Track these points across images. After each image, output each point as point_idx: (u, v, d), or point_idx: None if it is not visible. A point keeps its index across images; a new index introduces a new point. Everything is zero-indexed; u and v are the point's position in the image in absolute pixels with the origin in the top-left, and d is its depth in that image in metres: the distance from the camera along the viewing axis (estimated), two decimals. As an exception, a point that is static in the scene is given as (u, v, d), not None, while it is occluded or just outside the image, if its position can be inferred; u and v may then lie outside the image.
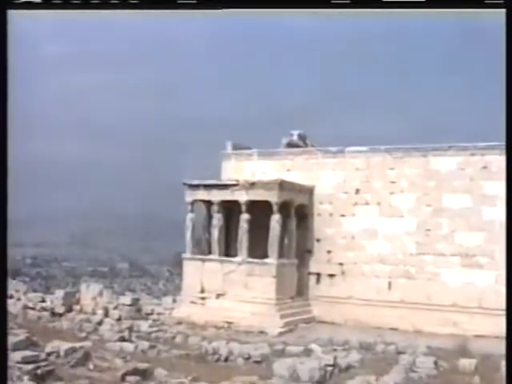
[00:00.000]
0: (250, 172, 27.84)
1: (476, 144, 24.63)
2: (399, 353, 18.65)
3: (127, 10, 10.48)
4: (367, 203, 26.00)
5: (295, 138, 29.72)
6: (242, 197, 25.25)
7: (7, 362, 11.14)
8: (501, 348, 19.53)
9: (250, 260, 25.02)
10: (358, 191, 26.17)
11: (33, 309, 25.92)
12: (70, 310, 26.35)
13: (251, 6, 9.99)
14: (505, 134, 9.49)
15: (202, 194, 26.25)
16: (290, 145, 29.11)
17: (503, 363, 16.30)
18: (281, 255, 25.01)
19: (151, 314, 26.29)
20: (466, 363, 16.77)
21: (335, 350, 18.77)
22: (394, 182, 25.61)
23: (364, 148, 26.36)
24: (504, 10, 9.21)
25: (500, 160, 23.98)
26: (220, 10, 10.06)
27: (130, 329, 22.14)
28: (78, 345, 15.40)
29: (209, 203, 26.35)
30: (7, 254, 10.03)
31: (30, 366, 12.65)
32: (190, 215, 26.55)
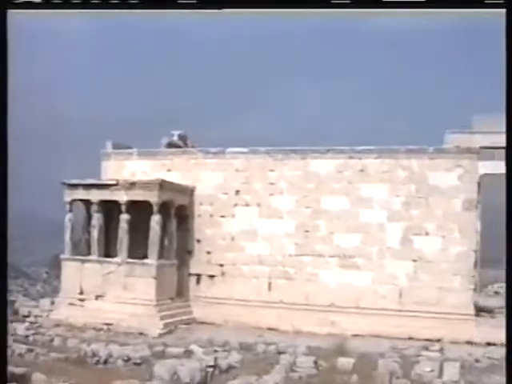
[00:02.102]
0: (129, 172, 27.58)
1: (354, 147, 25.11)
2: (279, 353, 18.79)
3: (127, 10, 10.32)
4: (247, 204, 26.15)
5: (176, 138, 29.68)
6: (122, 197, 25.00)
7: (7, 360, 10.76)
8: (377, 346, 20.20)
9: (130, 261, 24.82)
10: (238, 192, 26.30)
11: None
12: None
13: (251, 6, 9.96)
14: (505, 132, 9.66)
15: (81, 194, 25.84)
16: (171, 145, 29.04)
17: (380, 361, 16.76)
18: (161, 256, 24.90)
19: (28, 316, 25.71)
20: (345, 362, 17.08)
21: (216, 350, 18.77)
22: (273, 184, 25.83)
23: (244, 149, 26.49)
24: (504, 10, 9.35)
25: (376, 163, 24.63)
26: (220, 10, 10.00)
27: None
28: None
29: (88, 203, 25.96)
30: (7, 251, 9.75)
31: None
32: (68, 215, 26.12)
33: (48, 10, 10.27)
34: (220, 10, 9.94)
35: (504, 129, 24.59)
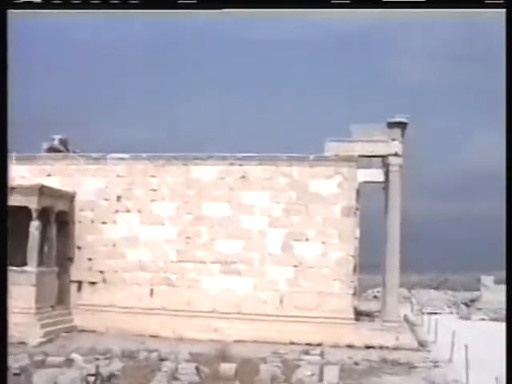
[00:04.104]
0: (8, 177, 26.93)
1: (235, 154, 25.33)
2: (162, 360, 18.71)
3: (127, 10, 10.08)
4: (128, 210, 25.98)
5: (56, 142, 29.25)
6: None
7: (7, 363, 10.27)
8: (259, 352, 20.39)
9: (9, 268, 24.24)
10: (119, 198, 26.10)
11: None
12: None
13: (251, 6, 9.86)
14: (505, 132, 9.78)
15: (-44, 200, 25.12)
16: (51, 149, 28.59)
17: (262, 366, 16.94)
18: (40, 263, 24.43)
19: None
20: (227, 368, 17.14)
21: (97, 358, 18.55)
22: (155, 190, 25.77)
23: (126, 155, 26.34)
24: (504, 10, 9.45)
25: (257, 170, 24.90)
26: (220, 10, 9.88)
27: None
28: None
29: (-37, 209, 25.26)
30: (7, 249, 9.37)
31: None
32: None
33: (48, 9, 10.11)
34: (220, 10, 9.93)
35: (382, 137, 25.36)
